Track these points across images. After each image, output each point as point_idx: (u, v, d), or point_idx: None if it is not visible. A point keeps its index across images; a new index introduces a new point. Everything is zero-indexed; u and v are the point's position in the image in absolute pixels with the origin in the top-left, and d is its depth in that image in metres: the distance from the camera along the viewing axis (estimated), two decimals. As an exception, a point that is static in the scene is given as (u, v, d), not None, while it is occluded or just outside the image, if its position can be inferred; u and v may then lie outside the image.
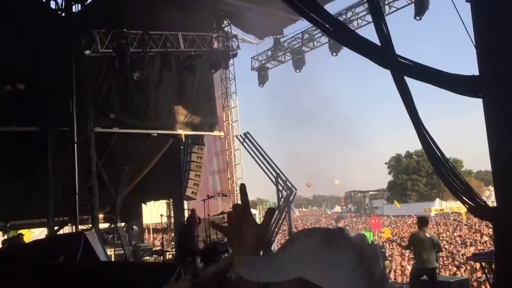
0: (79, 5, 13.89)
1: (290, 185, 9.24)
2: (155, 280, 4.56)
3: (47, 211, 13.11)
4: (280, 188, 9.19)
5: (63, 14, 13.87)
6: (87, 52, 13.14)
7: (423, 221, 9.38)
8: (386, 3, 13.71)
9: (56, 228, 13.07)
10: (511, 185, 4.22)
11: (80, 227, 12.53)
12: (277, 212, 10.15)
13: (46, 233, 14.14)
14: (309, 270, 0.96)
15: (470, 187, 4.88)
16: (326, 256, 0.98)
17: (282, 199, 9.35)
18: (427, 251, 8.79)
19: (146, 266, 7.98)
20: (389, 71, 4.42)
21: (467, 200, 4.60)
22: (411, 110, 4.54)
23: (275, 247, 12.69)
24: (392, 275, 13.61)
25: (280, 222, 9.88)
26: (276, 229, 10.10)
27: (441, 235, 26.51)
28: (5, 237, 15.09)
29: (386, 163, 72.18)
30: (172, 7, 13.72)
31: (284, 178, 9.22)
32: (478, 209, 4.62)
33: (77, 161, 12.89)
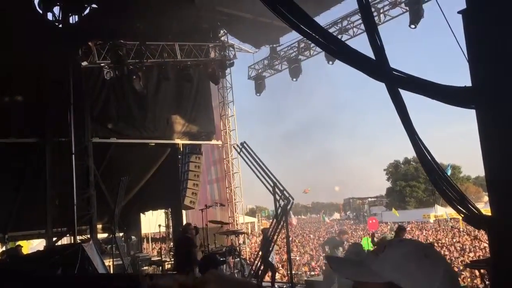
0: (76, 16, 13.99)
1: (287, 195, 9.28)
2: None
3: (46, 222, 13.12)
4: (278, 197, 9.23)
5: (60, 26, 13.95)
6: (84, 63, 13.20)
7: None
8: (381, 11, 13.82)
9: (54, 239, 13.07)
10: (505, 194, 4.26)
11: (79, 237, 12.54)
12: (275, 221, 10.17)
13: (44, 244, 14.12)
14: (402, 277, 1.05)
15: (464, 195, 4.92)
16: (420, 266, 1.06)
17: (280, 209, 9.38)
18: None
19: (139, 277, 7.97)
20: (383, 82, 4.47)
21: (461, 209, 4.64)
22: (405, 120, 4.58)
23: (273, 256, 12.69)
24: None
25: (278, 231, 9.91)
26: (274, 238, 10.12)
27: (439, 241, 26.52)
28: (3, 248, 15.05)
29: (384, 170, 72.18)
30: (169, 18, 13.82)
31: (281, 188, 9.27)
32: (473, 217, 4.65)
33: (75, 171, 12.92)
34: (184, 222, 15.68)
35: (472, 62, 4.41)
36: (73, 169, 12.90)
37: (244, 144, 9.72)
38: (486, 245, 20.23)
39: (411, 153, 68.61)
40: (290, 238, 13.08)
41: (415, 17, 12.73)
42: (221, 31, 17.51)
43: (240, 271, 11.15)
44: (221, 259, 9.47)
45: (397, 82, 4.36)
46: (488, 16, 4.39)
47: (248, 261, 13.49)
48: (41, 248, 14.47)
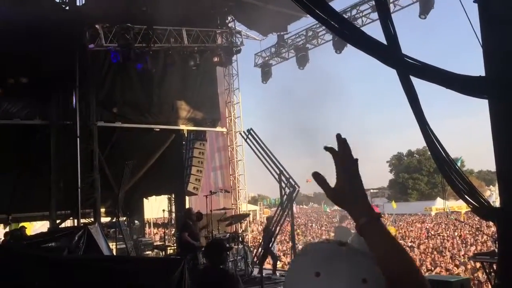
0: (83, -2, 13.90)
1: (293, 183, 9.26)
2: (159, 274, 4.58)
3: (50, 204, 13.16)
4: (283, 185, 9.20)
5: (67, 8, 13.87)
6: (91, 46, 13.14)
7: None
8: (391, 1, 13.67)
9: (58, 221, 13.12)
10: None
11: (82, 220, 12.58)
12: (279, 209, 10.17)
13: (48, 226, 14.18)
14: None
15: (474, 187, 4.89)
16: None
17: (285, 196, 9.37)
18: None
19: (150, 260, 8.01)
20: (394, 70, 4.41)
21: (471, 200, 4.61)
22: (417, 109, 4.53)
23: (274, 245, 12.72)
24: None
25: (282, 219, 9.92)
26: (278, 226, 10.13)
27: (441, 234, 26.55)
28: (7, 229, 15.15)
29: (387, 162, 72.17)
30: (177, 2, 13.71)
31: (287, 175, 9.24)
32: (482, 209, 4.62)
33: (80, 155, 12.92)
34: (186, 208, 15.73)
35: (486, 51, 4.35)
36: (78, 152, 12.90)
37: (251, 131, 9.69)
38: (487, 238, 20.24)
39: (414, 146, 68.56)
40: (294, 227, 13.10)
41: (426, 7, 12.60)
42: (229, 18, 17.38)
43: (243, 258, 11.19)
44: (227, 245, 9.50)
45: (409, 69, 4.30)
46: (504, 4, 4.32)
47: (250, 248, 13.51)
48: (44, 230, 14.56)
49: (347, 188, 1.29)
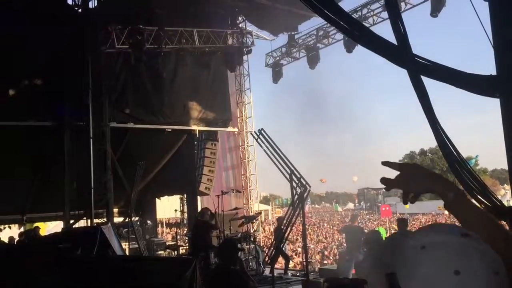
0: (96, 1, 14.03)
1: (304, 182, 9.27)
2: (171, 274, 4.63)
3: (63, 204, 13.31)
4: (294, 185, 9.22)
5: (80, 10, 14.02)
6: (103, 48, 13.27)
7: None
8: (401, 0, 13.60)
9: (71, 221, 13.26)
10: (528, 185, 4.20)
11: (95, 221, 12.70)
12: (291, 208, 10.18)
13: (61, 226, 14.36)
14: None
15: (486, 186, 4.86)
16: None
17: (296, 196, 9.38)
18: None
19: (162, 260, 8.07)
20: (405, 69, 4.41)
21: (483, 199, 4.58)
22: (427, 108, 4.51)
23: (285, 245, 12.72)
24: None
25: (294, 219, 9.92)
26: (289, 226, 10.15)
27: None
28: (21, 229, 15.36)
29: (399, 161, 71.56)
30: (188, 4, 13.79)
31: (298, 175, 9.25)
32: (494, 208, 4.59)
33: (93, 155, 13.05)
34: (199, 208, 15.80)
35: (498, 51, 4.32)
36: (91, 153, 13.03)
37: (262, 131, 9.70)
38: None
39: (427, 144, 68.00)
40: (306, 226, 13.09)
41: (437, 5, 12.52)
42: (239, 18, 17.43)
43: (255, 257, 11.21)
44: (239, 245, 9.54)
45: (420, 69, 4.29)
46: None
47: (262, 248, 13.53)
48: (58, 230, 14.73)
49: (420, 170, 1.33)
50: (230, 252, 5.00)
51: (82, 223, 13.28)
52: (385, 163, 1.39)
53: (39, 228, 13.73)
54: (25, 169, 13.96)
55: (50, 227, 19.52)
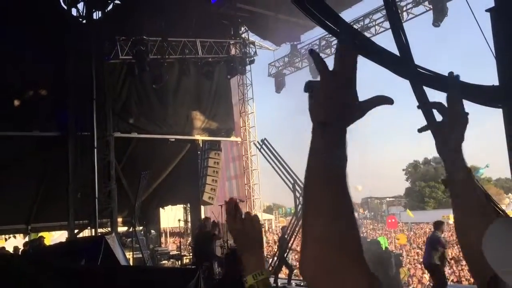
0: (100, 12, 14.15)
1: (307, 192, 9.29)
2: (174, 284, 4.64)
3: (68, 214, 13.33)
4: (298, 194, 9.23)
5: (84, 21, 14.15)
6: (108, 58, 13.38)
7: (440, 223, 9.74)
8: (404, 9, 13.67)
9: (76, 231, 13.28)
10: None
11: (100, 230, 12.72)
12: (294, 218, 10.18)
13: (65, 236, 14.36)
14: None
15: (488, 195, 4.86)
16: None
17: (300, 206, 9.38)
18: None
19: (166, 270, 8.07)
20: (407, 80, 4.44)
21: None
22: (430, 118, 4.54)
23: (290, 255, 12.69)
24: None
25: (297, 228, 9.92)
26: (293, 236, 10.14)
27: (458, 244, 26.10)
28: (26, 239, 15.38)
29: (403, 170, 71.43)
30: (191, 14, 13.90)
31: (301, 185, 9.27)
32: (497, 218, 4.59)
33: (97, 165, 13.09)
34: (203, 218, 15.80)
35: (499, 61, 4.34)
36: (95, 163, 13.08)
37: (265, 141, 9.75)
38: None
39: (430, 154, 67.83)
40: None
41: (439, 15, 12.57)
42: (242, 28, 17.54)
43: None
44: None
45: (422, 80, 4.33)
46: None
47: (266, 258, 13.51)
48: (63, 240, 14.75)
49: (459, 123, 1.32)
50: (236, 262, 4.94)
51: (86, 232, 13.30)
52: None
53: (44, 238, 13.75)
54: (30, 179, 14.00)
55: (54, 237, 19.54)
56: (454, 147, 1.30)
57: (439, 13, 12.52)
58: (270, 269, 11.38)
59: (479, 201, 1.25)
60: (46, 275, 4.63)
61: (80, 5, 14.07)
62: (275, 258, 11.12)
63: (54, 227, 16.28)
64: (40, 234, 14.49)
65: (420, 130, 1.37)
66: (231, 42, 15.62)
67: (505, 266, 0.74)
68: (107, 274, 4.97)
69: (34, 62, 12.57)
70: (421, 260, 17.22)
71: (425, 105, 1.35)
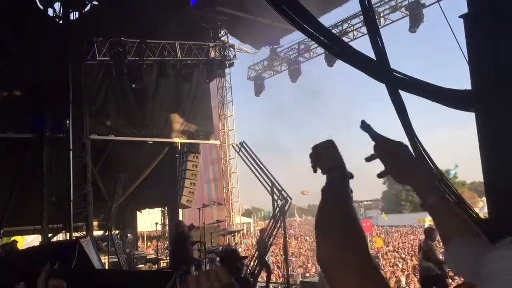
0: (77, 13, 13.96)
1: (285, 195, 9.30)
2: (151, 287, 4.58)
3: (42, 218, 13.08)
4: (276, 197, 9.25)
5: (61, 22, 13.94)
6: (85, 59, 13.20)
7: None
8: (381, 15, 13.87)
9: (50, 235, 13.04)
10: (503, 197, 4.29)
11: (74, 234, 12.51)
12: (272, 221, 10.19)
13: (39, 240, 14.08)
14: None
15: (463, 199, 4.96)
16: None
17: (277, 209, 9.40)
18: None
19: (141, 274, 7.98)
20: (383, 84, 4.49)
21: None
22: (405, 121, 4.60)
23: (269, 256, 12.69)
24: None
25: (275, 231, 9.93)
26: (271, 239, 10.14)
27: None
28: (-2, 243, 15.02)
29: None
30: (170, 16, 13.82)
31: (279, 188, 9.28)
32: (472, 220, 4.67)
33: (72, 168, 12.89)
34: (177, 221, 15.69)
35: (472, 66, 4.43)
36: (71, 165, 12.88)
37: (243, 144, 9.74)
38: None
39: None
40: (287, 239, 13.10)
41: (415, 21, 12.79)
42: (222, 31, 17.53)
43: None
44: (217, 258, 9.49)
45: (398, 84, 4.38)
46: (489, 20, 4.42)
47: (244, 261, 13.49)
48: (36, 244, 14.44)
49: (403, 154, 1.28)
50: (233, 262, 4.83)
51: (61, 236, 13.06)
52: (363, 126, 1.34)
53: (17, 242, 13.44)
54: (3, 181, 13.69)
55: (28, 241, 19.13)
56: (407, 182, 1.30)
57: (416, 20, 12.74)
58: (247, 272, 11.35)
59: (457, 225, 1.21)
60: (16, 279, 4.51)
61: (57, 5, 13.89)
62: (254, 259, 11.10)
63: (28, 231, 15.93)
64: (13, 238, 14.16)
65: (368, 160, 1.37)
66: (210, 45, 15.58)
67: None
68: (79, 278, 4.88)
69: (9, 62, 12.33)
70: (397, 262, 17.41)
71: (368, 160, 1.37)
